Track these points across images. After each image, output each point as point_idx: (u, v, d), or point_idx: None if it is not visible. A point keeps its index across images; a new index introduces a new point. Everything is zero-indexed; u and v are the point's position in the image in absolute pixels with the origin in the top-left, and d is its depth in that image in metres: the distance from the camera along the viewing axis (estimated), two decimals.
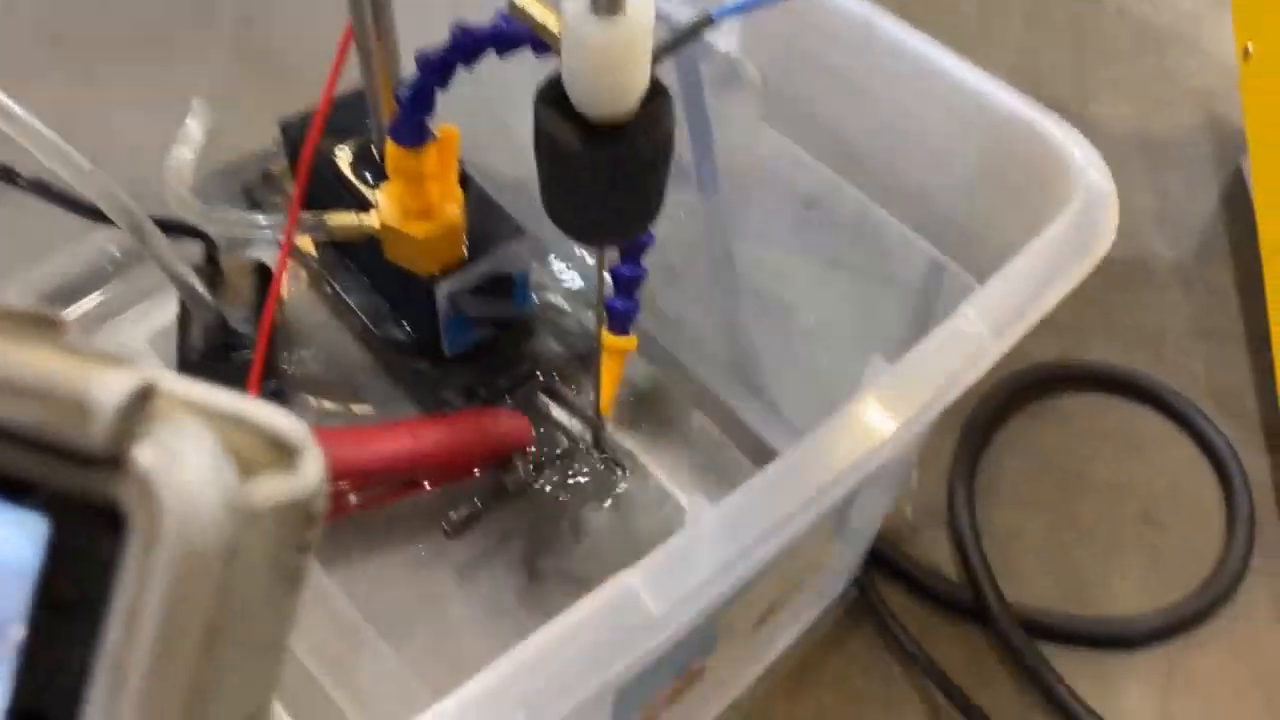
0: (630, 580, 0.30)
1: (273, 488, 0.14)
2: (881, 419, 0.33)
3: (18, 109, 0.49)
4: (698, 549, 0.30)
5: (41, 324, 0.14)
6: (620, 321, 0.58)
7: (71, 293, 0.68)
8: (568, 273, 0.71)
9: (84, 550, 0.12)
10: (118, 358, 0.13)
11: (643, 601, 0.29)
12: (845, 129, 0.52)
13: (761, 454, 0.64)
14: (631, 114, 0.39)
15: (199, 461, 0.12)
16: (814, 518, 0.32)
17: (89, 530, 0.12)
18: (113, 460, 0.12)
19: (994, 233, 0.47)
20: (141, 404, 0.12)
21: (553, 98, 0.39)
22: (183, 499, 0.12)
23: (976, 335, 0.35)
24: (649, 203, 0.43)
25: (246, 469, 0.14)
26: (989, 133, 0.44)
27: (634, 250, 0.56)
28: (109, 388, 0.12)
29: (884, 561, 0.62)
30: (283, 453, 0.15)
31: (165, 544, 0.12)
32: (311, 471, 0.15)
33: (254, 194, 0.71)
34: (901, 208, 0.51)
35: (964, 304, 0.36)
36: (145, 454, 0.12)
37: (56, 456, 0.12)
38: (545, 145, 0.41)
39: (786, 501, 0.31)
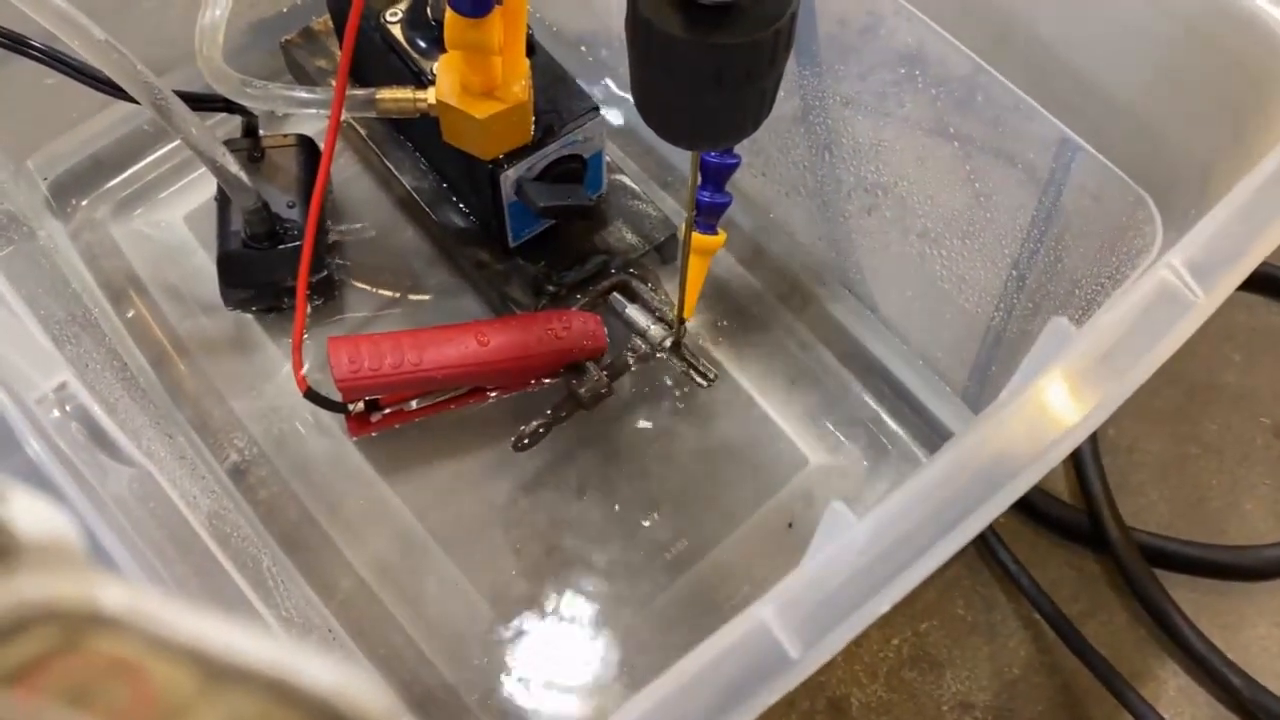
0: (762, 615, 0.25)
1: None
2: (1069, 404, 0.27)
3: None
4: (842, 575, 0.25)
5: None
6: (709, 216, 0.51)
7: (101, 168, 0.62)
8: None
9: None
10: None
11: (778, 642, 0.24)
12: None
13: (856, 358, 0.58)
14: None
15: None
16: (981, 527, 0.26)
17: None
18: None
19: (1168, 128, 0.39)
20: None
21: None
22: None
23: (1186, 296, 0.28)
24: (763, 101, 0.36)
25: None
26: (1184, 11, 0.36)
27: None
28: None
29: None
30: None
31: None
32: None
33: (293, 53, 0.64)
34: (1041, 84, 0.43)
35: (1169, 253, 0.29)
36: None
37: None
38: (640, 30, 0.34)
39: (952, 510, 0.26)
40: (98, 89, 0.50)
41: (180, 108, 0.48)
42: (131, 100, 0.48)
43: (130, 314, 0.59)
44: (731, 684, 0.24)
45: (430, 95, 0.50)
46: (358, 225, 0.63)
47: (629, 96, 0.64)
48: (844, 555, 0.25)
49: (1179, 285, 0.29)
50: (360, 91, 0.51)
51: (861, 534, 0.25)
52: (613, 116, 0.65)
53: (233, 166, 0.51)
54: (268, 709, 0.09)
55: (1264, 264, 0.63)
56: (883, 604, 0.25)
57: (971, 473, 0.26)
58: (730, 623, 0.24)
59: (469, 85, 0.49)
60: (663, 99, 0.36)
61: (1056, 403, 0.27)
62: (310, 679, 0.09)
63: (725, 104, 0.36)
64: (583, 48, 0.66)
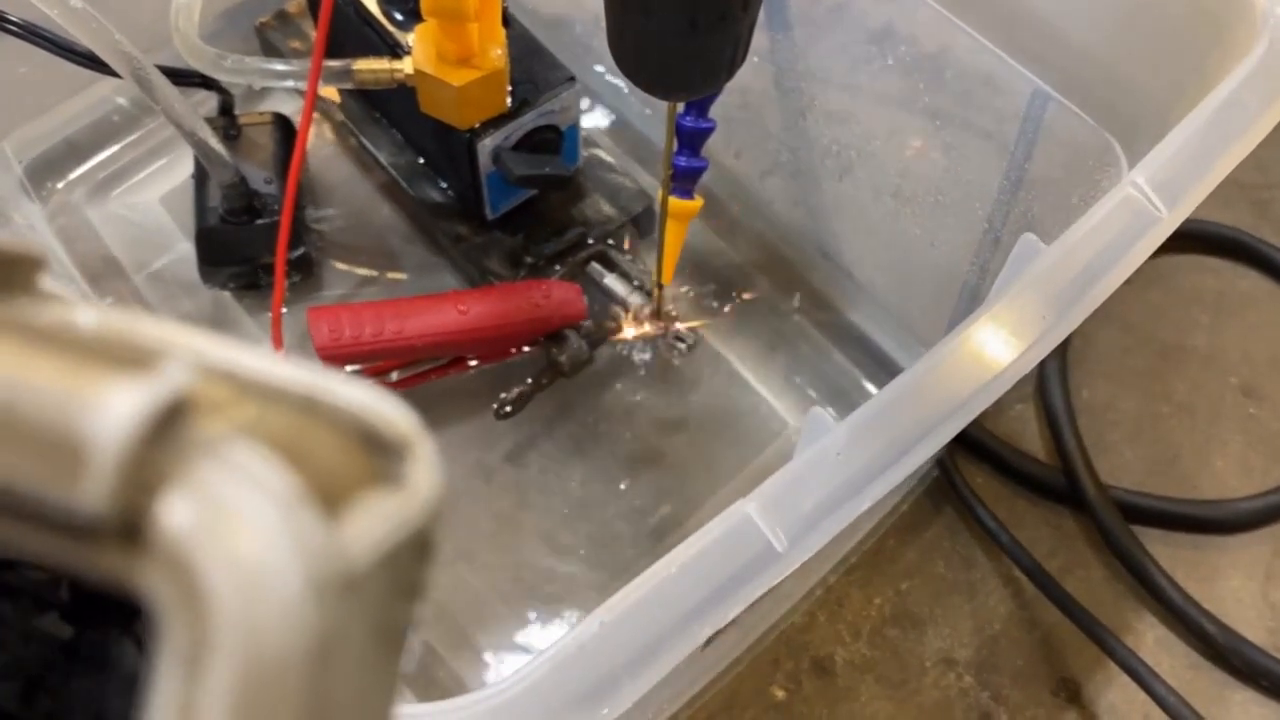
0: (748, 510, 0.25)
1: (375, 524, 0.09)
2: (1039, 313, 0.28)
3: None
4: (823, 473, 0.26)
5: (5, 269, 0.09)
6: (685, 181, 0.52)
7: (77, 151, 0.62)
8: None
9: (89, 654, 0.08)
10: (126, 341, 0.08)
11: (764, 535, 0.25)
12: None
13: (833, 323, 0.59)
14: None
15: (265, 516, 0.08)
16: (961, 426, 0.27)
17: (94, 624, 0.08)
18: (126, 527, 0.07)
19: (1132, 72, 0.40)
20: (167, 430, 0.07)
21: None
22: (245, 582, 0.07)
23: (1149, 210, 0.29)
24: (737, 47, 0.37)
25: (332, 495, 0.09)
26: None
27: (700, 101, 0.49)
28: (114, 411, 0.07)
29: (967, 440, 0.57)
30: (379, 452, 0.10)
31: (221, 656, 0.07)
32: (425, 479, 0.10)
33: (268, 35, 0.64)
34: (1009, 37, 0.44)
35: (1132, 172, 0.30)
36: (176, 514, 0.07)
37: (34, 522, 0.07)
38: None
39: (932, 411, 0.26)
40: (78, 63, 0.50)
41: (160, 80, 0.48)
42: (111, 74, 0.48)
43: (109, 296, 0.59)
44: (719, 576, 0.24)
45: (407, 65, 0.50)
46: (330, 211, 0.63)
47: (606, 73, 0.65)
48: (825, 455, 0.26)
49: (1143, 202, 0.30)
50: (337, 63, 0.51)
51: (841, 435, 0.26)
52: (589, 93, 0.65)
53: (211, 139, 0.51)
54: (300, 420, 0.09)
55: (1229, 228, 0.64)
56: (863, 502, 0.25)
57: (951, 374, 0.27)
58: (716, 518, 0.25)
59: (445, 53, 0.49)
60: (638, 44, 0.37)
61: (1030, 311, 0.28)
62: (340, 396, 0.09)
63: (700, 49, 0.36)
64: (557, 26, 0.67)
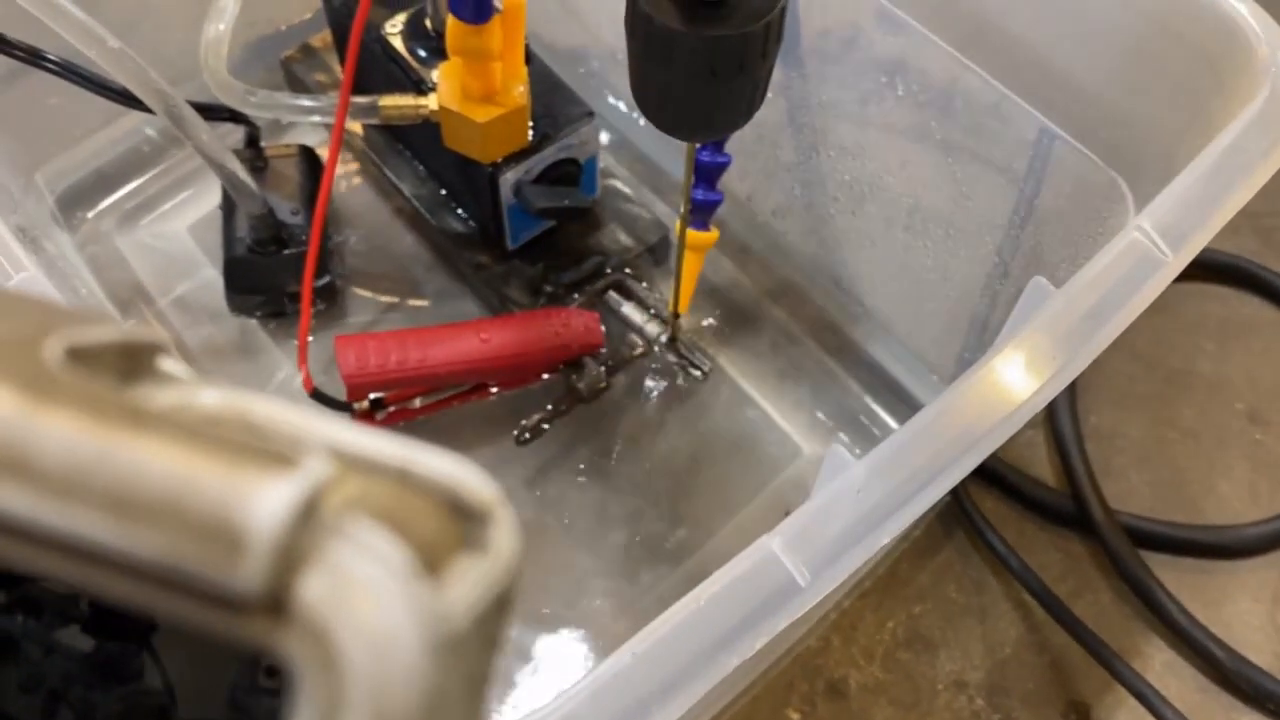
0: (772, 545, 0.26)
1: (470, 588, 0.10)
2: (1049, 355, 0.29)
3: None
4: (844, 508, 0.27)
5: (131, 356, 0.10)
6: (701, 214, 0.53)
7: (106, 181, 0.64)
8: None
9: (109, 666, 0.09)
10: (248, 422, 0.09)
11: (788, 570, 0.26)
12: None
13: (846, 352, 0.60)
14: None
15: (387, 588, 0.09)
16: (975, 464, 0.28)
17: (114, 638, 0.09)
18: (272, 601, 0.08)
19: (1136, 113, 0.41)
20: (309, 517, 0.09)
21: None
22: (373, 647, 0.08)
23: (1155, 254, 0.30)
24: (755, 93, 0.38)
25: (432, 561, 0.10)
26: (1147, 3, 0.39)
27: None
28: (268, 505, 0.08)
29: (978, 466, 0.58)
30: (465, 518, 0.11)
31: (353, 712, 0.08)
32: (507, 544, 0.11)
33: (293, 68, 0.66)
34: (1017, 77, 0.46)
35: (1138, 217, 0.31)
36: (314, 589, 0.08)
37: (192, 595, 0.08)
38: (640, 26, 0.36)
39: (947, 448, 0.28)
40: (111, 99, 0.52)
41: (192, 115, 0.50)
42: (143, 109, 0.50)
43: (138, 323, 0.61)
44: (745, 609, 0.25)
45: (432, 101, 0.52)
46: (353, 240, 0.64)
47: (622, 105, 0.67)
48: (845, 492, 0.27)
49: (1149, 246, 0.31)
50: (363, 99, 0.52)
51: (860, 472, 0.27)
52: (606, 125, 0.67)
53: (241, 172, 0.53)
54: (396, 491, 0.10)
55: (1234, 256, 0.65)
56: (881, 537, 0.27)
57: (965, 414, 0.28)
58: (741, 554, 0.26)
59: (469, 91, 0.51)
60: (660, 90, 0.38)
61: (1041, 353, 0.29)
62: (431, 467, 0.11)
63: (719, 95, 0.38)
64: (574, 60, 0.68)
